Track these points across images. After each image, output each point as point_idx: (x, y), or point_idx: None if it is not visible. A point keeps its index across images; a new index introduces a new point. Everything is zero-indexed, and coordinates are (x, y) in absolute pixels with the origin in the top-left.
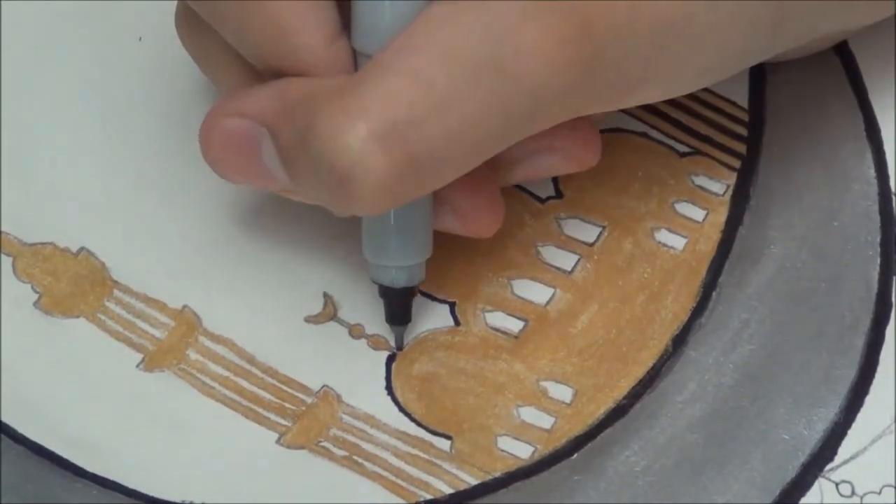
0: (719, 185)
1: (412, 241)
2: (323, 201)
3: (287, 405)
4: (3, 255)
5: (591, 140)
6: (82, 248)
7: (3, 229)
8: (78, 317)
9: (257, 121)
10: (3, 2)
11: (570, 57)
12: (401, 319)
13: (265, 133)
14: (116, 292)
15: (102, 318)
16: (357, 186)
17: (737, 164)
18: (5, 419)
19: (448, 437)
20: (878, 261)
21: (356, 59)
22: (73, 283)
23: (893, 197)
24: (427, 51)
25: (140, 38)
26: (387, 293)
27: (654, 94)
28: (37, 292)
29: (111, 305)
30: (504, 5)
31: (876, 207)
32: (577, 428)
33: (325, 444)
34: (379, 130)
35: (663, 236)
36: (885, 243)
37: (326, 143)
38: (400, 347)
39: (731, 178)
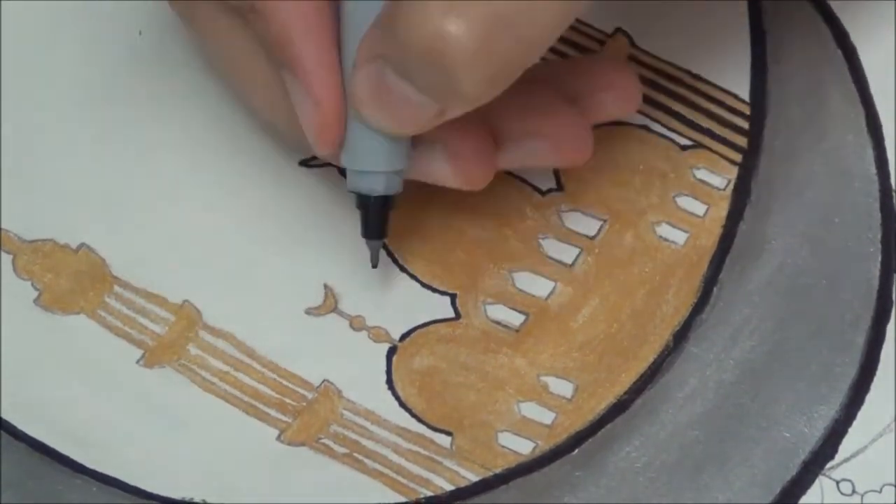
0: (720, 180)
1: (391, 145)
2: (455, 98)
3: (287, 401)
4: (3, 253)
5: (581, 133)
6: (82, 245)
7: (2, 226)
8: (78, 313)
9: (373, 57)
10: (3, 2)
11: None
12: (376, 233)
13: (384, 64)
14: (116, 288)
15: (102, 314)
16: (453, 57)
17: (738, 157)
18: (5, 416)
19: (449, 434)
20: (879, 257)
21: None
22: (74, 280)
23: (894, 193)
24: None
25: (140, 33)
26: (363, 203)
27: None
28: (37, 289)
29: (111, 301)
30: None
31: (877, 204)
32: (578, 423)
33: (325, 440)
34: (451, 2)
35: (664, 230)
36: (885, 240)
37: (412, 33)
38: (375, 264)
39: (733, 172)
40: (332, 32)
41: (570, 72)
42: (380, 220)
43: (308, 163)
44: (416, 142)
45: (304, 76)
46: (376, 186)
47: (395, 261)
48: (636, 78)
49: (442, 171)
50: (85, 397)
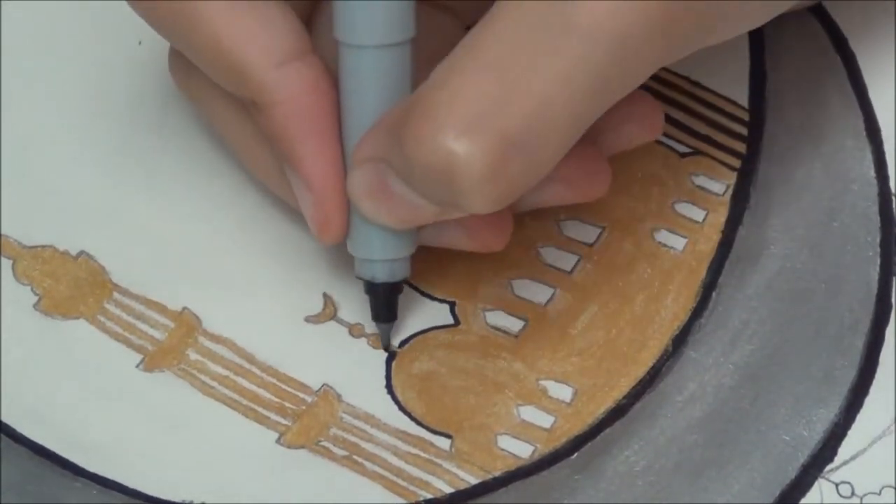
0: (719, 186)
1: (395, 234)
2: (459, 210)
3: (287, 404)
4: (2, 258)
5: (598, 172)
6: (82, 251)
7: (2, 232)
8: (78, 318)
9: (377, 158)
10: (3, 2)
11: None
12: (386, 317)
13: (386, 168)
14: (116, 294)
15: (102, 319)
16: (463, 180)
17: (737, 163)
18: (6, 420)
19: (448, 437)
20: (878, 261)
21: (338, 52)
22: (73, 286)
23: (893, 198)
24: (491, 40)
25: (140, 42)
26: (371, 289)
27: (731, 30)
28: (36, 294)
29: (111, 308)
30: None
31: (876, 208)
32: (577, 427)
33: (325, 443)
34: (463, 125)
35: (663, 237)
36: (884, 244)
37: (420, 152)
38: (387, 347)
39: (731, 178)
40: (334, 125)
41: None
42: (388, 305)
43: None
44: None
45: (304, 173)
46: (382, 274)
47: None
48: (658, 105)
49: (458, 240)
50: (84, 401)
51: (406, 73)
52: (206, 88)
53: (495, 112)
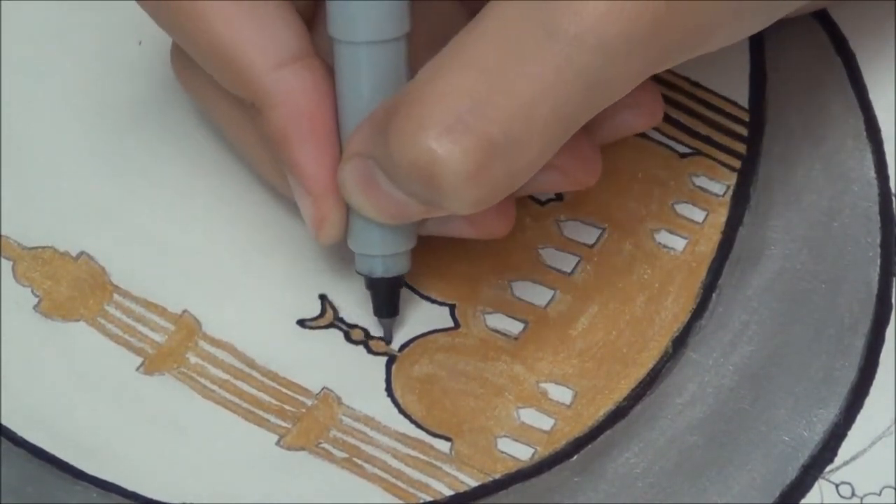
0: (719, 186)
1: (394, 229)
2: (440, 209)
3: (287, 407)
4: (3, 259)
5: (590, 160)
6: (82, 253)
7: (3, 233)
8: (78, 320)
9: (364, 154)
10: (3, 2)
11: (639, 8)
12: (387, 311)
13: (373, 163)
14: (116, 296)
15: (102, 321)
16: (443, 180)
17: (737, 164)
18: (5, 422)
19: (448, 439)
20: (878, 262)
21: (333, 49)
22: (73, 287)
23: (893, 198)
24: (477, 41)
25: (140, 42)
26: (372, 284)
27: (723, 41)
28: (37, 296)
29: (111, 310)
30: None
31: (876, 208)
32: (577, 430)
33: (325, 445)
34: (445, 124)
35: (663, 237)
36: (885, 244)
37: (403, 151)
38: (389, 340)
39: (732, 179)
40: (330, 126)
41: None
42: (389, 300)
43: None
44: None
45: (301, 175)
46: (382, 269)
47: None
48: (658, 92)
49: (460, 229)
50: (84, 403)
51: (401, 68)
52: (207, 86)
53: (478, 112)
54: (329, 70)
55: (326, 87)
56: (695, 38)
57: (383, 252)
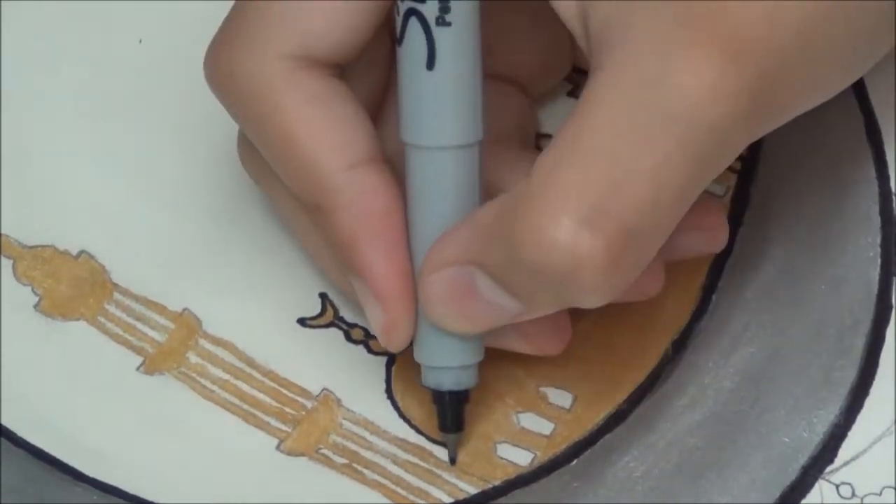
0: (720, 187)
1: (463, 341)
2: (558, 307)
3: (287, 409)
4: (3, 258)
5: (656, 272)
6: (82, 251)
7: (3, 232)
8: (78, 319)
9: (463, 262)
10: (3, 2)
11: (734, 82)
12: (453, 426)
13: (475, 270)
14: (116, 295)
15: (102, 320)
16: (583, 277)
17: (737, 164)
18: (5, 422)
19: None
20: (879, 262)
21: (406, 153)
22: (74, 286)
23: (894, 198)
24: (595, 128)
25: (140, 41)
26: (438, 398)
27: (817, 98)
28: (37, 295)
29: (111, 308)
30: (649, 56)
31: (876, 208)
32: (577, 434)
33: (324, 451)
34: (582, 216)
35: None
36: (885, 244)
37: (537, 250)
38: (453, 461)
39: (732, 180)
40: (401, 230)
41: None
42: (455, 414)
43: None
44: None
45: (370, 281)
46: (450, 382)
47: None
48: (724, 216)
49: (514, 343)
50: (84, 404)
51: (475, 174)
52: (276, 186)
53: (612, 200)
54: (396, 173)
55: (396, 191)
56: (796, 103)
57: (451, 364)
